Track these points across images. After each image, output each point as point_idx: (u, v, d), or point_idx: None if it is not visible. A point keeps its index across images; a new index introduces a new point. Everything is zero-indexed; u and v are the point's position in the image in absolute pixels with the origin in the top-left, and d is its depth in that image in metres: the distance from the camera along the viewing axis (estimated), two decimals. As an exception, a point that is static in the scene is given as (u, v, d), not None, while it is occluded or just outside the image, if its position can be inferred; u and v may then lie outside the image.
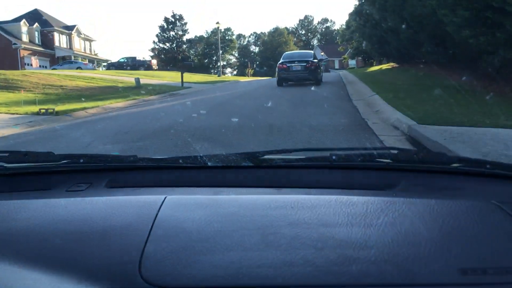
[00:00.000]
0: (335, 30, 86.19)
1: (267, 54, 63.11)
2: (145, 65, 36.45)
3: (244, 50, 71.84)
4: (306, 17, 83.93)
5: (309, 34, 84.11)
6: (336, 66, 67.17)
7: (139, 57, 39.09)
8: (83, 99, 12.34)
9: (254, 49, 75.01)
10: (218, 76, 34.45)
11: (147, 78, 22.06)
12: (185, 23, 53.25)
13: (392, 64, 23.11)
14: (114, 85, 16.89)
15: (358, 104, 8.37)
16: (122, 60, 37.52)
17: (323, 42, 78.77)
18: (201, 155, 1.18)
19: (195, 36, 64.85)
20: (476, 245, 0.72)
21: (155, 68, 37.92)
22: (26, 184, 1.18)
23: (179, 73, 18.67)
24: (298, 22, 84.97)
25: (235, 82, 25.20)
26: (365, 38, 23.36)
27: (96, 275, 0.66)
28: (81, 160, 1.20)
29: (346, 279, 0.64)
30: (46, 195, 1.08)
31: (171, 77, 20.88)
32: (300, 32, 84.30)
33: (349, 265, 0.66)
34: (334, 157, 1.11)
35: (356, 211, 0.83)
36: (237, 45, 70.75)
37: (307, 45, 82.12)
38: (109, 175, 1.18)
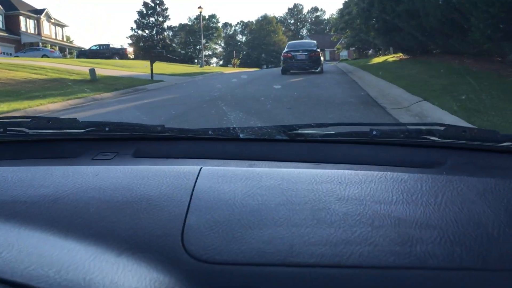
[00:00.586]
0: (325, 19, 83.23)
1: (255, 43, 59.51)
2: (120, 53, 32.87)
3: (230, 40, 68.17)
4: (295, 5, 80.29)
5: (298, 23, 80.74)
6: (327, 57, 64.10)
7: (115, 44, 35.25)
8: (5, 98, 9.04)
9: (241, 38, 71.46)
10: (201, 67, 31.18)
11: (114, 68, 18.74)
12: (166, 9, 49.55)
13: (399, 55, 20.14)
14: (65, 77, 13.55)
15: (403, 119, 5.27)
16: (95, 47, 33.85)
17: (312, 32, 75.57)
18: (233, 126, 1.14)
19: (179, 24, 61.01)
20: None
21: (131, 57, 34.40)
22: (49, 151, 1.15)
23: (156, 63, 15.40)
24: (287, 11, 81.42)
25: (219, 74, 21.96)
26: (369, 25, 20.29)
27: (136, 247, 0.61)
28: (107, 128, 1.17)
29: (411, 260, 0.59)
30: (71, 162, 1.02)
31: (144, 67, 17.58)
32: (289, 21, 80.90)
33: (413, 246, 0.61)
34: (375, 133, 1.06)
35: (410, 188, 0.76)
36: (222, 34, 67.08)
37: (296, 34, 78.79)
38: (135, 145, 1.14)
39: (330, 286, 0.57)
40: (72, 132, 1.17)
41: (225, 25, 72.05)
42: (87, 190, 0.77)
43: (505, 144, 1.00)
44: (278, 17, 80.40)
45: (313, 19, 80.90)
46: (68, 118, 1.21)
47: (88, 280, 0.52)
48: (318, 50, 15.59)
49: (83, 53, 34.18)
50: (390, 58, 20.89)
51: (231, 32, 71.45)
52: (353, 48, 38.24)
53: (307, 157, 1.05)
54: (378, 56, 26.39)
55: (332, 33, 50.75)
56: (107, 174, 0.84)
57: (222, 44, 68.47)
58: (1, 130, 1.16)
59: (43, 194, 0.75)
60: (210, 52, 65.14)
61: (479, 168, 0.95)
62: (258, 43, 57.45)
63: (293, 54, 15.05)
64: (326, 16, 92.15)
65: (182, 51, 52.74)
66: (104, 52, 32.72)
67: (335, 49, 58.94)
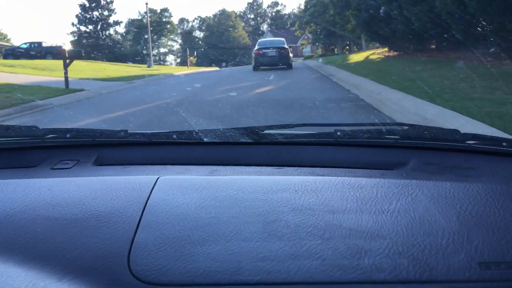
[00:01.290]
0: (286, 14, 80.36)
1: (213, 39, 55.44)
2: (53, 53, 28.13)
3: (187, 36, 63.79)
4: (254, 0, 76.69)
5: (258, 18, 77.31)
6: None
7: (49, 42, 30.34)
8: None
9: (199, 34, 67.24)
10: (149, 67, 26.97)
11: (31, 72, 14.54)
12: (111, 1, 44.58)
13: (381, 50, 17.02)
14: None
15: None
16: (24, 46, 28.94)
17: (273, 28, 72.46)
18: (196, 130, 1.13)
19: (129, 19, 56.03)
20: (498, 235, 0.65)
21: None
22: (7, 160, 1.12)
23: (89, 64, 11.40)
24: (246, 6, 77.86)
25: (167, 77, 17.99)
26: (345, 16, 17.05)
27: (80, 269, 0.60)
28: (68, 135, 1.14)
29: (357, 274, 0.59)
30: (29, 173, 1.01)
31: (72, 70, 13.42)
32: (249, 16, 77.36)
33: (360, 258, 0.61)
34: (339, 133, 1.06)
35: (366, 195, 0.76)
36: (177, 29, 62.54)
37: (256, 30, 75.41)
38: (97, 151, 1.12)
39: None
40: (32, 139, 1.14)
41: (182, 20, 67.60)
42: (37, 207, 0.75)
43: (467, 143, 0.99)
44: (238, 12, 76.76)
45: (274, 14, 77.77)
46: (27, 125, 1.17)
47: None
48: (287, 47, 16.15)
49: (10, 52, 29.14)
50: (371, 54, 17.77)
51: (188, 28, 67.04)
52: (318, 44, 35.21)
53: (271, 160, 1.04)
54: (356, 52, 23.34)
55: (296, 28, 47.50)
56: (61, 188, 0.82)
57: (179, 41, 64.06)
58: None
59: None
60: (166, 50, 60.71)
61: (440, 169, 0.93)
62: (217, 39, 53.41)
63: (264, 51, 15.53)
64: (287, 11, 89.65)
65: (133, 48, 47.93)
66: (35, 50, 27.92)
67: (298, 44, 55.97)
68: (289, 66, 15.71)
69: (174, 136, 1.12)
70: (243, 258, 0.61)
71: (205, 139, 1.10)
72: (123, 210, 0.72)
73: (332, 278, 0.58)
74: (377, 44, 17.99)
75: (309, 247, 0.62)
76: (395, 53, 14.97)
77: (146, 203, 0.74)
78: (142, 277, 0.59)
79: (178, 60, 60.17)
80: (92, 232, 0.67)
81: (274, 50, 15.60)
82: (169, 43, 62.50)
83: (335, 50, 31.81)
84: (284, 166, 1.00)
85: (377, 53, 17.31)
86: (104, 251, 0.63)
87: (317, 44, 35.90)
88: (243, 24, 75.56)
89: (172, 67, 38.24)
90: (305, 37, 48.32)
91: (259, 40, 17.98)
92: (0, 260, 0.60)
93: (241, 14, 76.77)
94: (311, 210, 0.71)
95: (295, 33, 46.74)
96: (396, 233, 0.65)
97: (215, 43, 52.50)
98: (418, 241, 0.63)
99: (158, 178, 0.83)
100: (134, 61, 36.55)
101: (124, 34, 52.24)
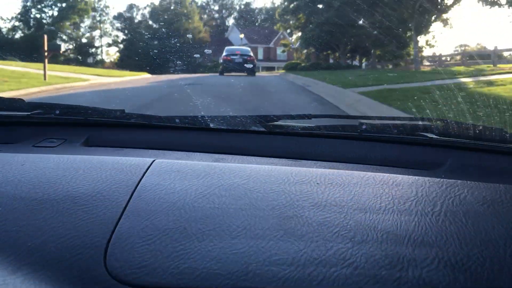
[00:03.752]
0: (256, 8, 68.79)
1: (160, 32, 42.53)
2: None
3: (129, 26, 50.48)
4: (220, -13, 64.45)
5: (223, 11, 65.25)
6: (260, 56, 49.46)
7: None
8: None
9: (153, 25, 54.18)
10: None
11: None
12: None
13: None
14: None
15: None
16: None
17: (241, 23, 60.65)
18: (202, 114, 1.04)
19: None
20: None
21: None
22: None
23: None
24: None
25: None
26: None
27: (42, 261, 0.50)
28: (57, 111, 1.04)
29: None
30: (5, 149, 0.91)
31: None
32: (212, 7, 65.17)
33: (403, 270, 0.50)
34: (364, 127, 0.98)
35: (403, 194, 0.65)
36: (91, 8, 48.78)
37: (221, 25, 63.42)
38: (88, 131, 1.03)
39: None
40: (16, 114, 1.06)
41: (131, 7, 54.46)
42: (3, 183, 0.65)
43: None
44: (199, 2, 64.38)
45: (242, 6, 65.97)
46: (12, 98, 1.10)
47: None
48: (253, 56, 18.01)
49: None
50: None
51: (139, 17, 53.81)
52: (308, 48, 23.44)
53: (286, 152, 0.96)
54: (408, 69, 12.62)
55: (275, 20, 35.24)
56: (36, 165, 0.72)
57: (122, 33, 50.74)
58: None
59: None
60: (110, 40, 47.32)
61: (484, 172, 0.85)
62: (166, 31, 40.12)
63: (232, 57, 16.88)
64: (258, 4, 77.70)
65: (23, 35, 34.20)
66: None
67: (272, 45, 44.39)
68: (253, 74, 16.63)
69: (177, 120, 1.03)
70: (252, 260, 0.50)
71: (211, 125, 1.02)
72: (107, 193, 0.62)
73: None
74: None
75: (336, 251, 0.52)
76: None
77: (136, 187, 0.63)
78: (120, 276, 0.48)
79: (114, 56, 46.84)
80: (64, 216, 0.56)
81: (242, 57, 16.86)
82: (114, 32, 49.24)
83: (334, 58, 20.54)
84: (301, 159, 0.91)
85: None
86: (75, 240, 0.52)
87: (306, 49, 23.99)
88: (205, 16, 63.38)
89: (100, 70, 25.70)
90: (285, 36, 36.90)
91: (226, 47, 19.09)
92: None
93: (204, 4, 64.49)
94: (337, 207, 0.61)
95: (274, 27, 34.42)
96: (446, 240, 0.55)
97: (162, 36, 39.61)
98: (474, 251, 0.53)
99: (153, 161, 0.73)
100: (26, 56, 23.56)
101: None
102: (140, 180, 0.66)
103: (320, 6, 19.51)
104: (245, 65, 16.15)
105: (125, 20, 50.38)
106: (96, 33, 54.99)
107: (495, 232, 0.56)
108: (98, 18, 55.43)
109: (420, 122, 1.01)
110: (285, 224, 0.56)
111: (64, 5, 36.17)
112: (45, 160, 0.74)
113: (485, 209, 0.62)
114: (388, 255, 0.51)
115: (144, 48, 40.60)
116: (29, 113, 1.03)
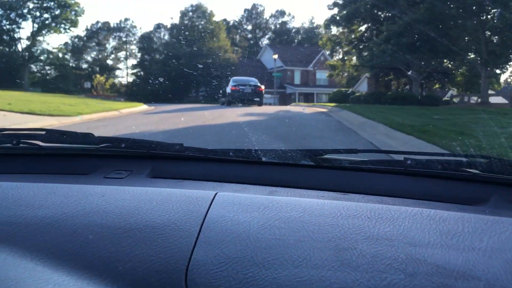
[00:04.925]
0: (293, 28, 63.31)
1: (179, 48, 35.53)
2: None
3: (145, 43, 45.85)
4: (254, 6, 59.53)
5: (257, 30, 60.06)
6: (297, 80, 43.19)
7: None
8: None
9: (179, 46, 49.45)
10: None
11: None
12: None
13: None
14: None
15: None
16: None
17: (276, 41, 55.14)
18: (255, 148, 1.11)
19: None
20: None
21: None
22: (62, 166, 1.12)
23: None
24: (243, 13, 60.34)
25: None
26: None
27: (133, 284, 0.57)
28: (123, 145, 1.14)
29: None
30: (81, 180, 0.99)
31: None
32: (245, 27, 60.22)
33: None
34: (410, 162, 1.01)
35: (450, 229, 0.68)
36: (78, 20, 43.49)
37: (254, 46, 58.33)
38: (152, 163, 1.11)
39: None
40: (86, 147, 1.15)
41: (158, 26, 50.22)
42: (90, 213, 0.72)
43: None
44: (231, 22, 59.65)
45: (278, 25, 60.57)
46: (83, 132, 1.18)
47: None
48: (261, 85, 17.72)
49: None
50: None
51: (163, 37, 49.30)
52: (372, 70, 17.03)
53: (334, 185, 1.00)
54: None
55: (321, 33, 29.08)
56: (114, 196, 0.79)
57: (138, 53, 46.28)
58: (14, 142, 1.14)
59: (41, 216, 0.70)
60: (134, 62, 42.89)
61: None
62: (183, 49, 33.86)
63: (240, 87, 17.18)
64: (296, 23, 72.16)
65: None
66: None
67: (311, 68, 38.47)
68: (260, 104, 16.98)
69: (231, 154, 1.10)
70: (314, 287, 0.55)
71: (263, 159, 1.08)
72: (180, 223, 0.68)
73: None
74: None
75: (390, 281, 0.56)
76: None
77: (204, 218, 0.69)
78: None
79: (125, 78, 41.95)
80: (147, 244, 0.63)
81: (250, 87, 17.02)
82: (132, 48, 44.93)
83: (399, 85, 14.43)
84: (348, 192, 0.95)
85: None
86: (159, 266, 0.58)
87: (370, 71, 17.59)
88: (238, 37, 58.54)
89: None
90: (325, 57, 31.12)
91: (232, 78, 18.52)
92: (50, 266, 0.57)
93: (236, 24, 59.68)
94: (388, 241, 0.64)
95: (319, 42, 27.78)
96: (493, 274, 0.57)
97: (178, 54, 33.64)
98: None
99: (216, 194, 0.79)
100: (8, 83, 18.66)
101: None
102: (207, 212, 0.71)
103: (386, 13, 13.26)
104: (254, 96, 16.39)
105: (146, 40, 45.79)
106: (121, 54, 50.99)
107: None
108: (124, 39, 51.27)
109: (464, 159, 1.03)
110: (341, 255, 0.60)
111: (46, 15, 30.58)
112: (121, 192, 0.80)
113: None
114: (438, 287, 0.54)
115: (155, 73, 34.93)
116: (98, 146, 1.11)
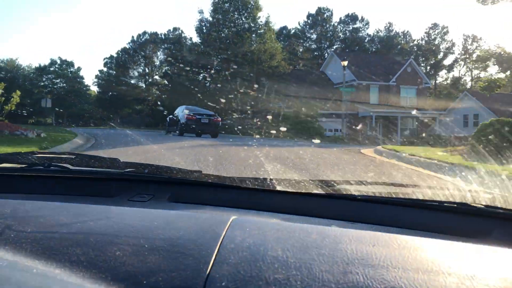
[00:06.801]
0: (367, 36, 53.01)
1: (210, 48, 26.33)
2: None
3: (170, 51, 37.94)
4: (319, 10, 49.97)
5: (322, 40, 50.42)
6: (374, 99, 32.57)
7: None
8: None
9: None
10: None
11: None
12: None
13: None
14: None
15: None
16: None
17: (347, 50, 45.09)
18: (271, 178, 1.17)
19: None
20: None
21: None
22: (89, 189, 1.21)
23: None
24: (305, 20, 50.98)
25: None
26: None
27: None
28: (146, 170, 1.22)
29: None
30: (107, 202, 1.08)
31: None
32: (309, 35, 50.92)
33: None
34: (416, 195, 1.07)
35: (452, 260, 0.72)
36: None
37: (319, 58, 48.97)
38: (172, 189, 1.19)
39: None
40: (113, 171, 1.22)
41: (175, 29, 42.99)
42: (117, 231, 0.77)
43: None
44: (293, 30, 50.85)
45: (347, 32, 50.53)
46: (110, 157, 1.29)
47: None
48: (218, 117, 17.87)
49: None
50: None
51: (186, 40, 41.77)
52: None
53: (344, 215, 1.06)
54: None
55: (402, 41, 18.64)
56: (139, 217, 0.86)
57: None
58: (46, 164, 1.22)
59: (73, 232, 0.76)
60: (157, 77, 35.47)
61: None
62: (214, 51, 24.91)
63: (198, 117, 16.89)
64: (371, 30, 60.66)
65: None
66: None
67: (403, 86, 28.49)
68: (215, 135, 17.13)
69: (248, 182, 1.14)
70: None
71: (278, 188, 1.13)
72: (198, 243, 0.73)
73: None
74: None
75: None
76: None
77: (222, 240, 0.74)
78: None
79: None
80: (168, 261, 0.68)
81: (208, 117, 16.99)
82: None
83: None
84: (357, 222, 1.01)
85: None
86: (179, 281, 0.63)
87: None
88: (300, 48, 49.60)
89: None
90: (415, 70, 21.55)
91: (186, 106, 18.50)
92: (83, 277, 0.62)
93: (298, 32, 50.74)
94: (401, 269, 0.68)
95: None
96: None
97: (218, 52, 24.87)
98: None
99: (232, 218, 0.85)
100: None
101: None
102: (224, 233, 0.76)
103: None
104: (209, 125, 16.91)
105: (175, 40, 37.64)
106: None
107: None
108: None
109: (468, 194, 1.05)
110: (347, 278, 0.64)
111: None
112: (146, 214, 0.88)
113: None
114: None
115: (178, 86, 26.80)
116: (123, 171, 1.19)
